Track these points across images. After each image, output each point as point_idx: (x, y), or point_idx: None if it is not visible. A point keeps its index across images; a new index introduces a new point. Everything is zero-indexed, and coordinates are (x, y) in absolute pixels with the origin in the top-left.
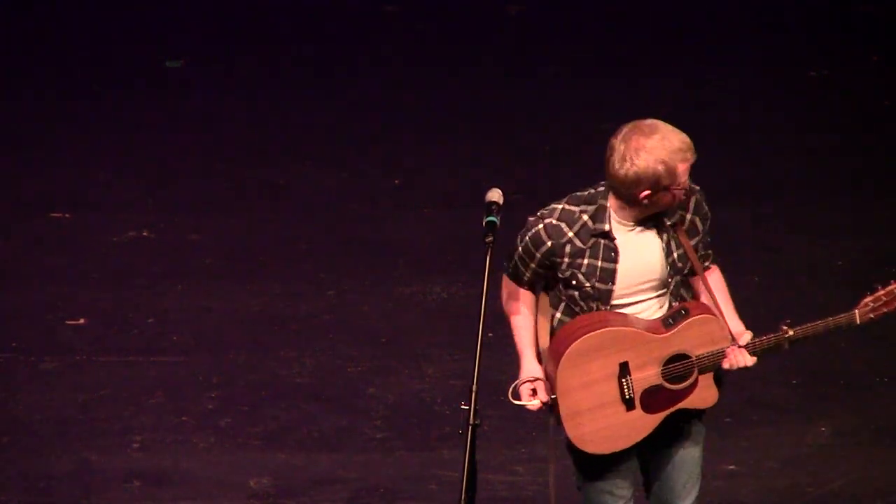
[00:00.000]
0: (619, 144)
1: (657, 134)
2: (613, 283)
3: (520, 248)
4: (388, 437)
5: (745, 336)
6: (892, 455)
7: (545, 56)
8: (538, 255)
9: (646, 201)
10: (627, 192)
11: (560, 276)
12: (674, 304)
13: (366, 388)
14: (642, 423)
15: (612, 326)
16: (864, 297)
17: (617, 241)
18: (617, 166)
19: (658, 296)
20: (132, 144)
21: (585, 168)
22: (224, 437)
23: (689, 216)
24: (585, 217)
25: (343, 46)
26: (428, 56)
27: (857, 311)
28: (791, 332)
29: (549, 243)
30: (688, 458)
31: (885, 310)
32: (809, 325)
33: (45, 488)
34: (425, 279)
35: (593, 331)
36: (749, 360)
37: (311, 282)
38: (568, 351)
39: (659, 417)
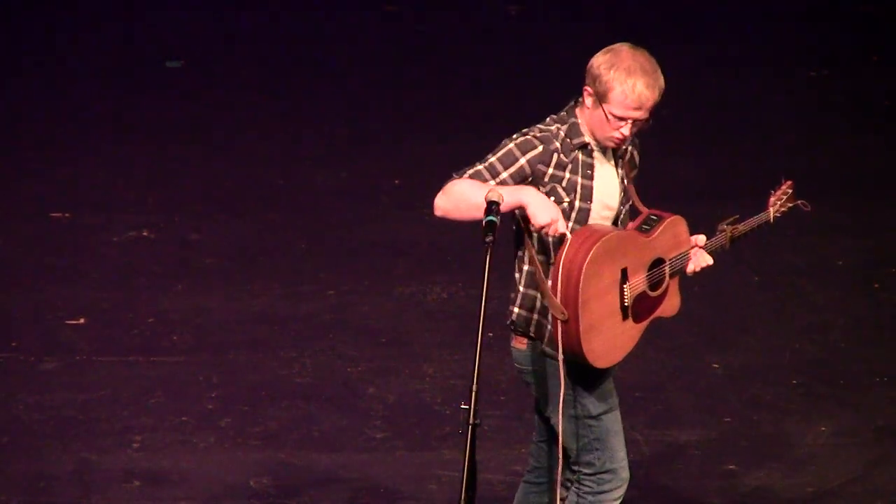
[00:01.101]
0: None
1: (629, 56)
2: (591, 201)
3: (494, 158)
4: (388, 437)
5: (701, 237)
6: (892, 455)
7: (545, 56)
8: (524, 161)
9: (587, 102)
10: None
11: (540, 189)
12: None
13: (366, 388)
14: (632, 333)
15: (614, 231)
16: (769, 196)
17: (594, 156)
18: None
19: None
20: (132, 144)
21: None
22: (224, 437)
23: (630, 147)
24: (562, 133)
25: (343, 46)
26: (428, 56)
27: (771, 209)
28: (730, 230)
29: (539, 148)
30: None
31: (789, 204)
32: (742, 223)
33: (45, 488)
34: (425, 279)
35: (605, 235)
36: (709, 259)
37: (311, 282)
38: (590, 256)
39: (643, 327)
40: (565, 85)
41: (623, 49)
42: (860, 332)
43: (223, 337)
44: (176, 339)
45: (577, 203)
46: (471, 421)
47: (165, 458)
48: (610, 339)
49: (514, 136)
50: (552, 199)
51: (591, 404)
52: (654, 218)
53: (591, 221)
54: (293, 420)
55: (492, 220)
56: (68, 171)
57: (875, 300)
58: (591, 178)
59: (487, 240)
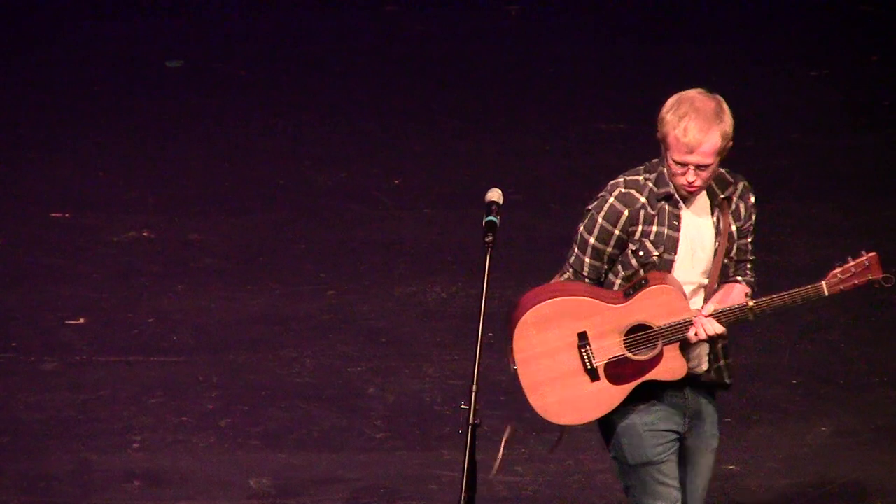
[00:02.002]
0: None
1: (690, 99)
2: (676, 253)
3: (592, 238)
4: (388, 437)
5: (709, 306)
6: (892, 455)
7: (545, 56)
8: (617, 231)
9: (662, 150)
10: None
11: (631, 248)
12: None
13: (366, 388)
14: (609, 395)
15: (565, 296)
16: (833, 268)
17: (681, 206)
18: None
19: (703, 284)
20: (132, 144)
21: (586, 168)
22: (224, 437)
23: (735, 198)
24: (650, 183)
25: (343, 46)
26: (428, 56)
27: (824, 282)
28: (752, 303)
29: (625, 213)
30: (706, 465)
31: (855, 282)
32: (774, 296)
33: (45, 488)
34: (425, 279)
35: (547, 300)
36: (717, 328)
37: (311, 282)
38: (521, 322)
39: (627, 389)
40: (565, 85)
41: (689, 93)
42: (860, 332)
43: (223, 337)
44: (176, 339)
45: (664, 255)
46: (471, 421)
47: (165, 458)
48: (573, 399)
49: (596, 203)
50: (641, 253)
51: (627, 452)
52: (643, 283)
53: (677, 273)
54: (293, 420)
55: (492, 220)
56: (68, 171)
57: (875, 300)
58: (677, 228)
59: (487, 240)
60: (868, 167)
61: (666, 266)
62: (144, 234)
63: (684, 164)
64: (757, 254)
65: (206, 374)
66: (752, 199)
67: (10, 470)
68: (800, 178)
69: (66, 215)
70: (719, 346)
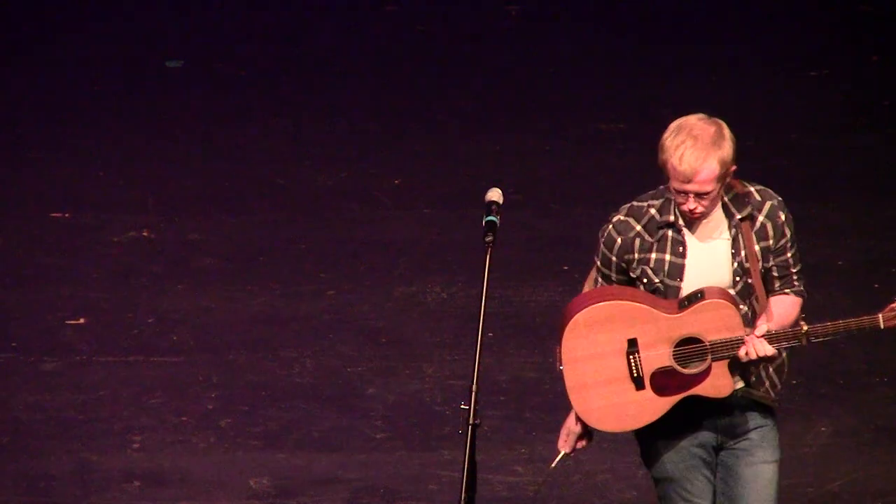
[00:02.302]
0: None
1: (688, 125)
2: (682, 280)
3: (598, 261)
4: (388, 437)
5: (762, 326)
6: (892, 455)
7: (545, 56)
8: (614, 257)
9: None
10: None
11: (632, 275)
12: (748, 314)
13: (366, 388)
14: (653, 406)
15: (619, 300)
16: (893, 301)
17: (684, 234)
18: None
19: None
20: (132, 144)
21: (586, 168)
22: (224, 437)
23: (761, 217)
24: (653, 211)
25: (343, 46)
26: (428, 56)
27: (881, 314)
28: (806, 328)
29: (618, 240)
30: (754, 480)
31: None
32: (829, 323)
33: (45, 488)
34: (425, 279)
35: (601, 302)
36: (768, 349)
37: (311, 282)
38: (572, 321)
39: (670, 401)
40: (565, 85)
41: (689, 119)
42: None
43: (223, 337)
44: (176, 339)
45: (666, 280)
46: (471, 421)
47: (165, 458)
48: (616, 406)
49: (603, 227)
50: (644, 280)
51: (650, 466)
52: (699, 295)
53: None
54: (293, 420)
55: (492, 220)
56: (68, 171)
57: (875, 300)
58: (682, 255)
59: (487, 240)
60: (868, 167)
61: (673, 292)
62: (144, 234)
63: (684, 193)
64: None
65: (206, 374)
66: (783, 217)
67: (10, 470)
68: (800, 178)
69: (66, 215)
70: (770, 367)
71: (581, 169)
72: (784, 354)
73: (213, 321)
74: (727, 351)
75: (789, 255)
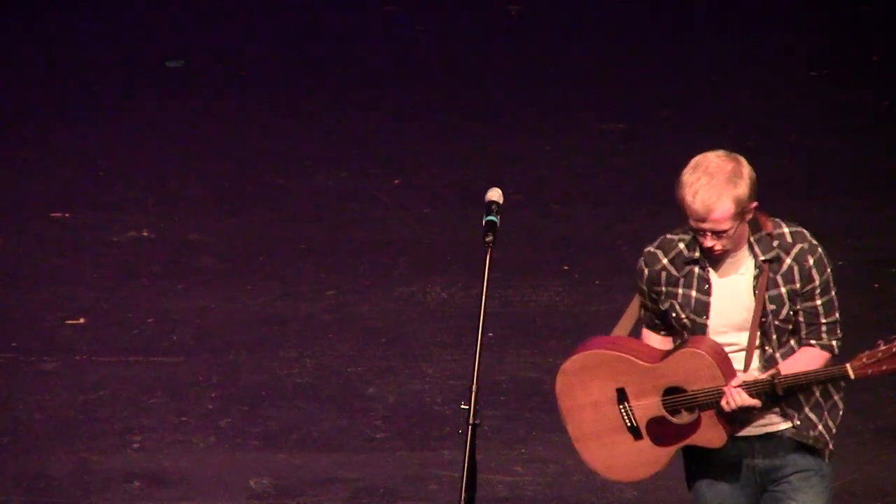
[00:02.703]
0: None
1: (705, 162)
2: (707, 317)
3: (638, 287)
4: (388, 437)
5: (740, 376)
6: (892, 455)
7: (545, 56)
8: (644, 286)
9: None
10: None
11: (662, 308)
12: (776, 356)
13: (366, 388)
14: (655, 455)
15: (604, 349)
16: (862, 351)
17: (709, 271)
18: None
19: (744, 347)
20: (132, 144)
21: (586, 168)
22: (224, 437)
23: (788, 260)
24: (682, 245)
25: (343, 46)
26: (428, 56)
27: (849, 365)
28: (777, 379)
29: (646, 271)
30: None
31: (883, 367)
32: (801, 372)
33: (45, 488)
34: (425, 279)
35: (587, 351)
36: (747, 400)
37: (311, 282)
38: (560, 368)
39: (669, 451)
40: (565, 85)
41: (707, 155)
42: (860, 332)
43: (223, 337)
44: (176, 339)
45: (692, 317)
46: (471, 421)
47: (165, 458)
48: (619, 456)
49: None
50: (673, 315)
51: (695, 497)
52: (681, 344)
53: (715, 335)
54: (293, 420)
55: (492, 220)
56: (68, 171)
57: (875, 300)
58: (707, 293)
59: (487, 240)
60: (868, 167)
61: (700, 329)
62: (144, 234)
63: (701, 231)
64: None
65: (206, 374)
66: (811, 261)
67: (10, 470)
68: (800, 178)
69: (66, 215)
70: (825, 408)
71: (581, 169)
72: (836, 397)
73: (213, 321)
74: (709, 400)
75: (818, 302)
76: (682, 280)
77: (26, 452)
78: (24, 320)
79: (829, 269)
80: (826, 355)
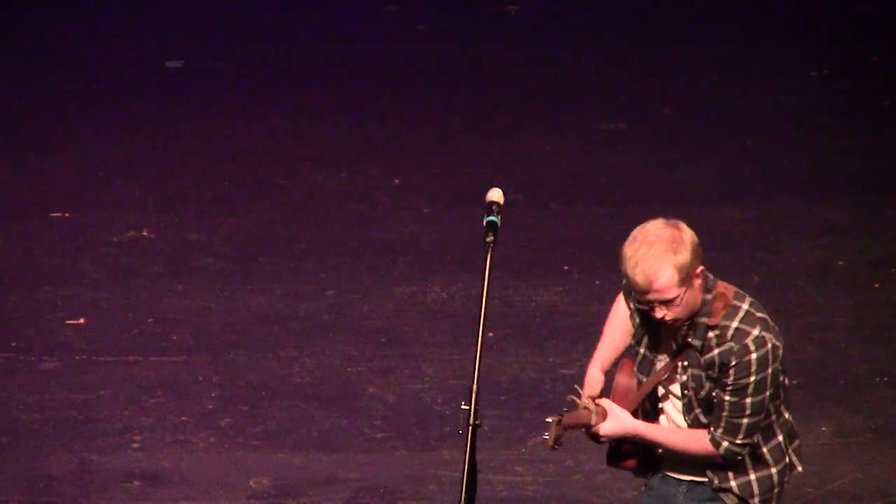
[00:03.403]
0: None
1: (644, 234)
2: (641, 346)
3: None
4: (388, 437)
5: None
6: (892, 455)
7: (545, 56)
8: (633, 304)
9: None
10: None
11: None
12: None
13: (366, 388)
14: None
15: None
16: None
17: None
18: None
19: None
20: (132, 144)
21: (586, 168)
22: (224, 437)
23: (715, 351)
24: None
25: (343, 46)
26: (428, 56)
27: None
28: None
29: (621, 297)
30: None
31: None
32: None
33: (45, 488)
34: (425, 279)
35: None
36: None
37: (311, 282)
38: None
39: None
40: (565, 85)
41: (646, 226)
42: (861, 332)
43: (223, 337)
44: (176, 339)
45: (638, 349)
46: (471, 421)
47: (165, 458)
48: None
49: None
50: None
51: None
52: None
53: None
54: (293, 420)
55: (492, 220)
56: (68, 171)
57: (875, 300)
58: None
59: (487, 240)
60: (868, 167)
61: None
62: (144, 234)
63: (647, 303)
64: (756, 253)
65: (206, 374)
66: (734, 361)
67: (10, 470)
68: (800, 178)
69: (66, 215)
70: (731, 471)
71: (581, 169)
72: (774, 470)
73: (213, 321)
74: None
75: (727, 398)
76: (637, 312)
77: (26, 452)
78: (24, 320)
79: (754, 377)
80: (709, 448)
